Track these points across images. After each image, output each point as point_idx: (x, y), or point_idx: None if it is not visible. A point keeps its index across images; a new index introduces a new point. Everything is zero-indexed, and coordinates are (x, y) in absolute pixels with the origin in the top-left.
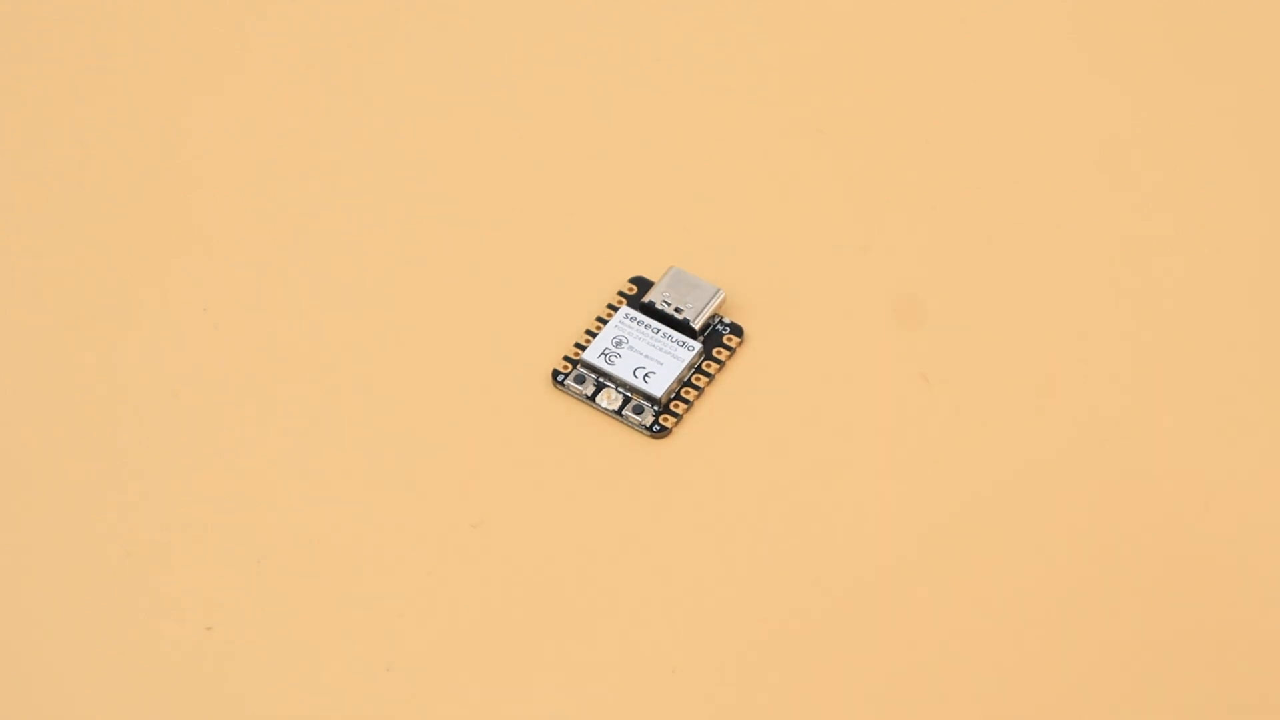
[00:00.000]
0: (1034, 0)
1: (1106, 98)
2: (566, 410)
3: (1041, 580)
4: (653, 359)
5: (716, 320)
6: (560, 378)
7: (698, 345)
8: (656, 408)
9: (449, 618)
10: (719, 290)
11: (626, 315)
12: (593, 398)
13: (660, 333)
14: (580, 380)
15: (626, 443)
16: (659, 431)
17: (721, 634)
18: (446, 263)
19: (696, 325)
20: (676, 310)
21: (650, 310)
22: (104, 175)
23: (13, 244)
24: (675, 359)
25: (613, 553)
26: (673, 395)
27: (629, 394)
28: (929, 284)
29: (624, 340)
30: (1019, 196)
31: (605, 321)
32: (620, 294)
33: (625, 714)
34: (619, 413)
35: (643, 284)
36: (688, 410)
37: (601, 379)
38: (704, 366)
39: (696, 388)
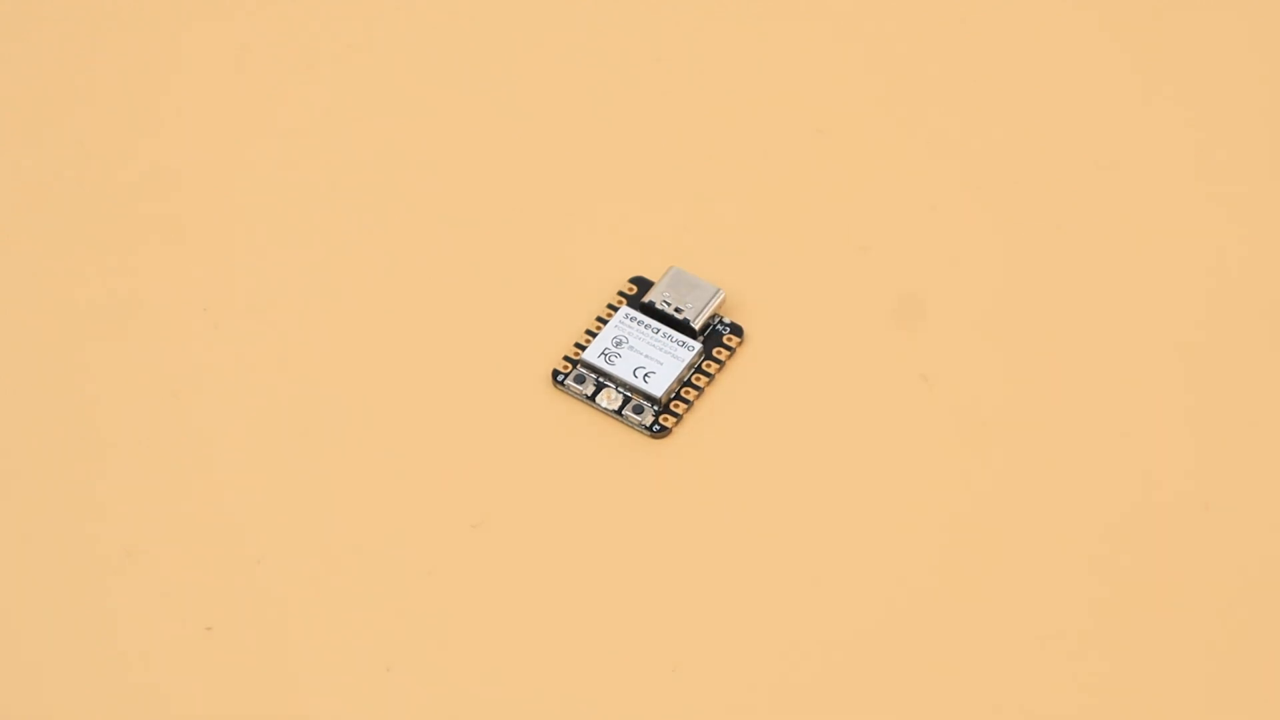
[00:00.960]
0: (1034, 0)
1: (1106, 97)
2: (566, 410)
3: (1041, 581)
4: (653, 359)
5: (716, 320)
6: (560, 378)
7: (698, 345)
8: (656, 408)
9: (449, 618)
10: (719, 290)
11: (626, 315)
12: (593, 398)
13: (660, 333)
14: (580, 380)
15: (626, 443)
16: (659, 431)
17: (721, 633)
18: (446, 263)
19: (696, 325)
20: (676, 310)
21: (650, 310)
22: (104, 175)
23: (13, 244)
24: (675, 359)
25: (613, 553)
26: (673, 395)
27: (629, 394)
28: (929, 284)
29: (624, 340)
30: (1019, 196)
31: (605, 321)
32: (620, 294)
33: (625, 714)
34: (619, 413)
35: (643, 284)
36: (688, 410)
37: (601, 379)
38: (704, 366)
39: (696, 388)
